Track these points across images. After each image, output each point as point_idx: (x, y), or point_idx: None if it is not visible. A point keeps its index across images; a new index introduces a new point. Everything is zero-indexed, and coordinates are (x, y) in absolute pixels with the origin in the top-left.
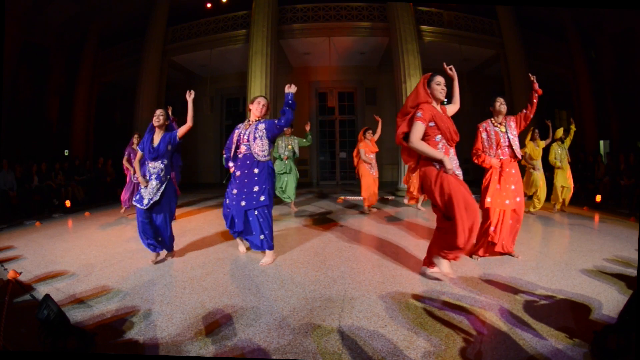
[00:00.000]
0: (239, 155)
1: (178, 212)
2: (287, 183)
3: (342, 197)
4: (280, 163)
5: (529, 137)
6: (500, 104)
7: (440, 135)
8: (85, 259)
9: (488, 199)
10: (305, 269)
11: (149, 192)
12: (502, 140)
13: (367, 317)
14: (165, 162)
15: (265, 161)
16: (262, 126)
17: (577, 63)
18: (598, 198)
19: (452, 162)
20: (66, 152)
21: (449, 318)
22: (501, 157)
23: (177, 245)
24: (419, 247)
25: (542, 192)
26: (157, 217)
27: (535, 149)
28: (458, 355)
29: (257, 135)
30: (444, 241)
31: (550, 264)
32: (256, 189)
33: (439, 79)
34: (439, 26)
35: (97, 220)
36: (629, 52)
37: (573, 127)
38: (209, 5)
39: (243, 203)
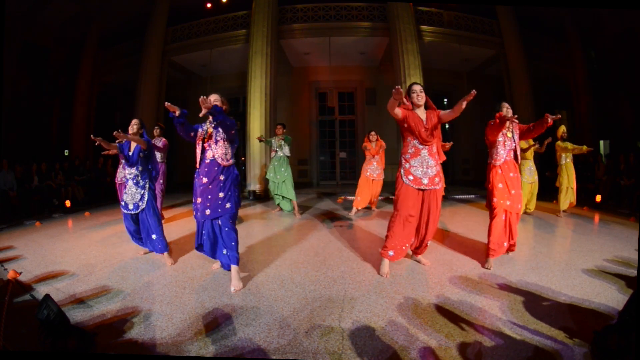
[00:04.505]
0: (206, 161)
1: (179, 211)
2: (284, 186)
3: (342, 197)
4: (274, 167)
5: None
6: (507, 110)
7: (411, 137)
8: (85, 259)
9: (494, 199)
10: (305, 269)
11: (130, 197)
12: (507, 143)
13: (367, 317)
14: (140, 168)
15: (229, 166)
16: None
17: (577, 63)
18: (598, 198)
19: (423, 162)
20: (66, 152)
21: (449, 318)
22: (506, 157)
23: (178, 245)
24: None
25: (532, 201)
26: (146, 220)
27: (524, 144)
28: (458, 355)
29: (218, 137)
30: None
31: (550, 264)
32: (221, 195)
33: (414, 87)
34: (439, 26)
35: (97, 220)
36: (629, 52)
37: (585, 148)
38: (209, 5)
39: (208, 212)
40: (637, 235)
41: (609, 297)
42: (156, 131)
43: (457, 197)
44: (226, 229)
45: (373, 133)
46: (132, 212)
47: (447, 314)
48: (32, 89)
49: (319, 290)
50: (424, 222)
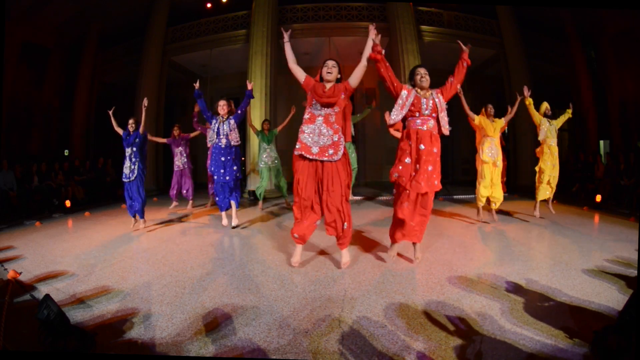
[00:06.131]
0: (222, 145)
1: (180, 212)
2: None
3: None
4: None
5: (481, 113)
6: (421, 78)
7: (314, 101)
8: (85, 259)
9: (395, 174)
10: (305, 269)
11: (126, 169)
12: (423, 107)
13: (367, 317)
14: (135, 149)
15: (237, 145)
16: (232, 121)
17: (577, 63)
18: (598, 198)
19: (315, 129)
20: (66, 152)
21: (449, 318)
22: (421, 127)
23: (178, 245)
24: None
25: (497, 191)
26: (132, 189)
27: (489, 123)
28: (458, 356)
29: (231, 128)
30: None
31: (550, 264)
32: (235, 168)
33: (328, 62)
34: (439, 26)
35: (97, 220)
36: (629, 52)
37: (569, 112)
38: (209, 5)
39: (227, 177)
40: (637, 235)
41: (609, 297)
42: (175, 131)
43: (456, 197)
44: (233, 186)
45: (490, 106)
46: (126, 181)
47: (447, 314)
48: (32, 89)
49: (319, 290)
50: (324, 202)
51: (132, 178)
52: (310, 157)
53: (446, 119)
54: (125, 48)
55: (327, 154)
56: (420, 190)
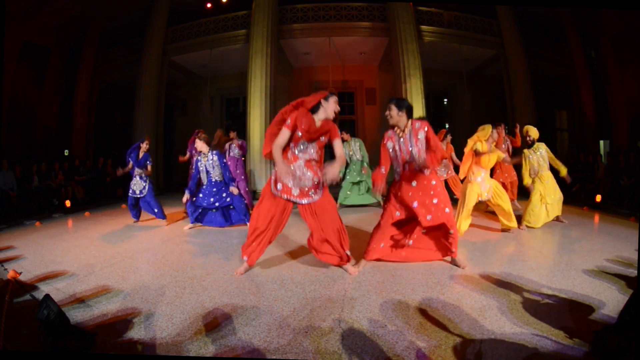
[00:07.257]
0: (213, 180)
1: (178, 211)
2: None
3: None
4: (352, 177)
5: (479, 132)
6: (393, 114)
7: (293, 142)
8: (85, 259)
9: (397, 213)
10: (305, 269)
11: (137, 186)
12: (404, 154)
13: (367, 317)
14: (144, 169)
15: (221, 181)
16: (215, 157)
17: (577, 63)
18: (598, 198)
19: (296, 170)
20: (66, 152)
21: (449, 318)
22: (401, 170)
23: (178, 245)
24: None
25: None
26: (145, 202)
27: (486, 155)
28: (458, 356)
29: (214, 165)
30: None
31: (550, 264)
32: (224, 195)
33: (335, 97)
34: (439, 26)
35: (97, 220)
36: (629, 52)
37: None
38: (209, 5)
39: (217, 204)
40: (637, 235)
41: (609, 297)
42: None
43: (455, 197)
44: (234, 208)
45: (502, 127)
46: (136, 196)
47: (447, 313)
48: (32, 89)
49: (319, 290)
50: (319, 235)
51: (144, 194)
52: (292, 199)
53: (421, 156)
54: (125, 48)
55: (307, 196)
56: (427, 223)
